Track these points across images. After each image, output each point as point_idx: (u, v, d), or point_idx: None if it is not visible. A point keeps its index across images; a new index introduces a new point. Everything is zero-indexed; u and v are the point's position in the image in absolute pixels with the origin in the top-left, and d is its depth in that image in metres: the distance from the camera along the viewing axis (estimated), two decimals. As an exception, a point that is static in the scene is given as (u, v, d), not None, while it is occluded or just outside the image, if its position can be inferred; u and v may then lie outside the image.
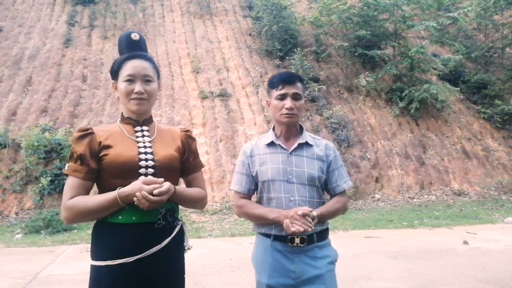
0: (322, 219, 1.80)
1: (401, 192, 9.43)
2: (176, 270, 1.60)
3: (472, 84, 12.58)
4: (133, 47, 1.61)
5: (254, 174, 1.89)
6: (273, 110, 1.90)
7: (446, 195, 9.44)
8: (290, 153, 1.86)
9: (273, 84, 1.89)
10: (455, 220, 7.44)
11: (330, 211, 1.84)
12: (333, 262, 1.85)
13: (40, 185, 7.62)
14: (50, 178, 7.71)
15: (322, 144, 1.93)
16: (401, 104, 11.04)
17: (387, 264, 4.63)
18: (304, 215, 1.69)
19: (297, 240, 1.75)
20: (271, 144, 1.90)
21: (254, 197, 1.98)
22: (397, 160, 10.06)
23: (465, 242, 5.57)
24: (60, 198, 8.56)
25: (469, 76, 12.67)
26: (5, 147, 8.18)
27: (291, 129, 1.91)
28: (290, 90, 1.84)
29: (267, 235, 1.84)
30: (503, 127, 11.59)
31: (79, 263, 4.74)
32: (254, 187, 1.93)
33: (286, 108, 1.83)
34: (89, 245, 1.62)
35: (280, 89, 1.85)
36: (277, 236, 1.80)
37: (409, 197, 9.25)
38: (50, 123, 8.98)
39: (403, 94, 11.05)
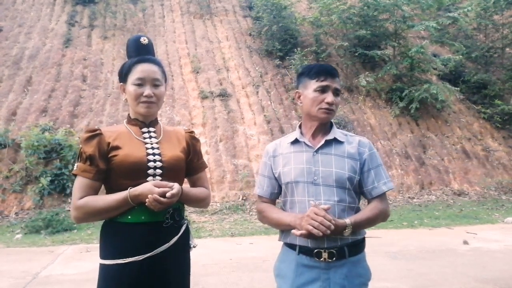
0: (357, 228, 1.55)
1: (401, 192, 9.43)
2: (183, 268, 1.65)
3: (472, 84, 12.58)
4: (142, 51, 1.65)
5: (277, 175, 1.71)
6: (309, 103, 1.66)
7: (446, 195, 9.44)
8: (316, 151, 1.65)
9: (312, 75, 1.67)
10: (455, 220, 7.44)
11: (367, 217, 1.59)
12: (365, 283, 1.62)
13: (40, 185, 7.62)
14: (50, 178, 7.71)
15: (355, 140, 1.69)
16: (401, 104, 11.05)
17: (387, 264, 4.63)
18: (320, 210, 1.47)
19: (324, 255, 1.54)
20: (296, 142, 1.71)
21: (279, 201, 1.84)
22: (397, 160, 10.06)
23: (465, 242, 5.57)
24: (60, 198, 8.57)
25: (469, 76, 12.66)
26: (5, 147, 8.17)
27: (322, 126, 1.70)
28: (333, 83, 1.65)
29: (292, 247, 1.63)
30: (503, 127, 11.59)
31: (79, 263, 4.74)
32: (277, 190, 1.74)
33: (327, 103, 1.62)
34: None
35: (322, 81, 1.64)
36: (302, 247, 1.59)
37: (409, 197, 9.25)
38: (50, 123, 8.98)
39: (403, 94, 11.05)
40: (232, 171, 8.83)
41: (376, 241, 5.78)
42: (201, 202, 1.76)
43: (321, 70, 1.66)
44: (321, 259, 1.54)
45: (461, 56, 11.88)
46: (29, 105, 9.53)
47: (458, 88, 11.75)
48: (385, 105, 11.63)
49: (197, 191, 1.72)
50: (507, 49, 13.65)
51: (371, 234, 6.21)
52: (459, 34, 14.10)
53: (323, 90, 1.64)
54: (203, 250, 5.24)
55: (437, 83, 11.59)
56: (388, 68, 11.30)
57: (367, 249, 1.69)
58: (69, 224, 6.70)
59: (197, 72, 11.53)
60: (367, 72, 11.63)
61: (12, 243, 6.06)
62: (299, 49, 11.72)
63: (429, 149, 10.58)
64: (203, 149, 9.18)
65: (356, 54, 11.96)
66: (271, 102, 10.83)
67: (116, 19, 13.15)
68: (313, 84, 1.65)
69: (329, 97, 1.63)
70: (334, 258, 1.54)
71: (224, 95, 10.81)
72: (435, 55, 12.29)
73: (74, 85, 10.38)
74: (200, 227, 6.83)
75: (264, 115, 10.29)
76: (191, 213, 7.57)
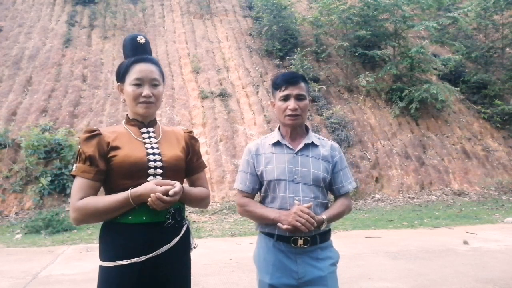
0: (330, 221, 1.81)
1: (401, 192, 9.43)
2: (184, 268, 1.65)
3: (472, 84, 12.57)
4: (139, 50, 1.63)
5: (259, 173, 1.88)
6: (277, 111, 1.88)
7: (446, 195, 9.44)
8: (296, 153, 1.85)
9: (276, 85, 1.87)
10: (455, 220, 7.43)
11: (338, 212, 1.86)
12: (334, 264, 1.86)
13: (40, 185, 7.62)
14: (50, 178, 7.71)
15: (327, 144, 1.93)
16: (401, 104, 11.04)
17: (387, 264, 4.63)
18: (305, 211, 1.70)
19: (300, 241, 1.75)
20: (277, 144, 1.89)
21: (257, 197, 1.98)
22: (397, 160, 10.05)
23: (465, 242, 5.57)
24: (60, 198, 8.56)
25: (469, 76, 12.66)
26: (5, 147, 8.17)
27: (296, 129, 1.89)
28: (293, 91, 1.82)
29: (270, 235, 1.83)
30: (503, 127, 11.59)
31: (79, 263, 4.74)
32: (258, 186, 1.91)
33: (290, 109, 1.81)
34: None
35: (283, 90, 1.82)
36: (280, 236, 1.79)
37: (409, 197, 9.25)
38: (50, 123, 8.98)
39: (403, 94, 11.05)
40: (232, 171, 8.82)
41: (376, 241, 5.78)
42: (201, 202, 1.75)
43: (282, 81, 1.85)
44: (297, 245, 1.76)
45: (461, 56, 11.87)
46: (29, 105, 9.53)
47: (458, 88, 11.73)
48: (385, 105, 11.63)
49: (198, 190, 1.72)
50: (507, 49, 13.64)
51: (371, 234, 6.21)
52: (459, 34, 14.09)
53: (285, 98, 1.83)
54: (203, 250, 5.24)
55: (437, 83, 11.59)
56: (388, 68, 11.29)
57: (368, 249, 1.75)
58: (69, 224, 6.69)
59: (197, 72, 11.53)
60: (367, 72, 11.62)
61: (12, 243, 6.06)
62: (299, 49, 11.72)
63: (429, 149, 10.58)
64: (203, 149, 9.18)
65: (356, 54, 11.95)
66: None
67: (116, 19, 13.15)
68: (278, 95, 1.86)
69: (291, 104, 1.81)
70: (308, 244, 1.77)
71: (224, 95, 10.81)
72: (435, 55, 12.28)
73: (74, 85, 10.38)
74: (200, 227, 6.83)
75: (264, 115, 10.29)
76: (191, 213, 7.57)
